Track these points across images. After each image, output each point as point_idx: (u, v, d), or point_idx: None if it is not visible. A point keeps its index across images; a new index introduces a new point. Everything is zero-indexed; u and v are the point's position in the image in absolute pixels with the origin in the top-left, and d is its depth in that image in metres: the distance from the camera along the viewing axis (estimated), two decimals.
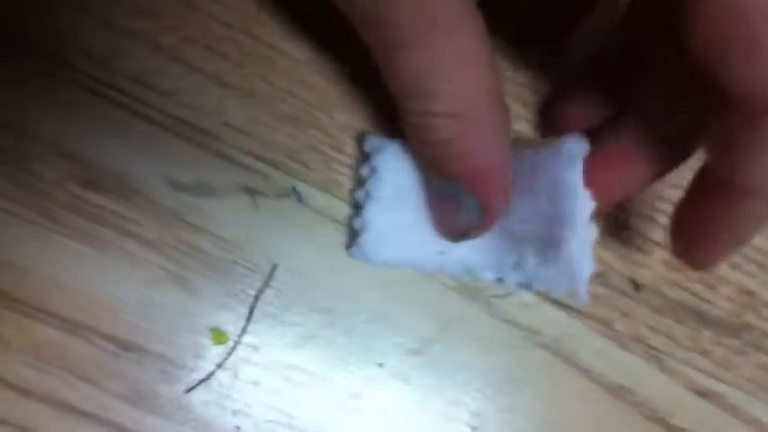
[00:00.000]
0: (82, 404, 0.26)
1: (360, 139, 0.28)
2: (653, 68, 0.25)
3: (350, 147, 0.28)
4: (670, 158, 0.24)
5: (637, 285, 0.30)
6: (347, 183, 0.28)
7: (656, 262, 0.30)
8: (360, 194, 0.26)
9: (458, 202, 0.24)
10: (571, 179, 0.25)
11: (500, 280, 0.27)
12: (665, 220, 0.30)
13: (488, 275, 0.27)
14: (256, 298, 0.27)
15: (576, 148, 0.24)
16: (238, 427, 0.27)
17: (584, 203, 0.25)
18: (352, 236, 0.27)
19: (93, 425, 0.26)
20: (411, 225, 0.26)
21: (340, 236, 0.28)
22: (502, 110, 0.22)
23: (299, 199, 0.27)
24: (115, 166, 0.27)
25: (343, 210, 0.28)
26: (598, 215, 0.24)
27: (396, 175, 0.26)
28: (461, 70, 0.21)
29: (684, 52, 0.19)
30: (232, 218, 0.27)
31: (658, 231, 0.30)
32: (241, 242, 0.27)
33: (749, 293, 0.31)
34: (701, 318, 0.30)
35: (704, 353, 0.30)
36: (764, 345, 0.31)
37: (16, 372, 0.26)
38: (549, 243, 0.26)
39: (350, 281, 0.28)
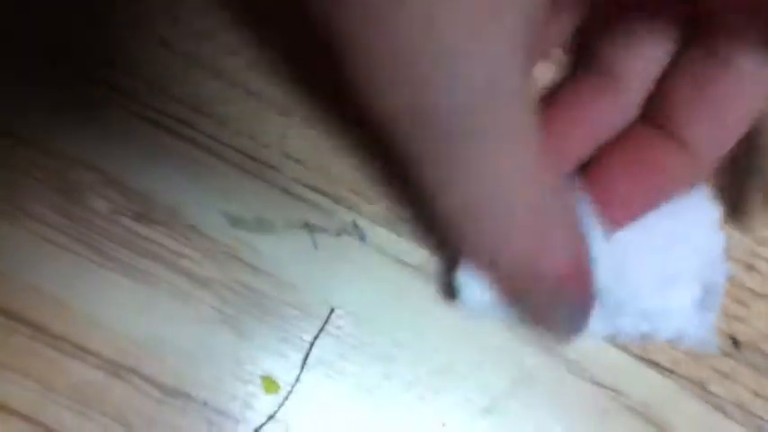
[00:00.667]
0: None
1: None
2: None
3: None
4: None
5: (736, 342, 0.27)
6: (413, 219, 0.26)
7: (755, 316, 0.27)
8: None
9: (547, 312, 0.21)
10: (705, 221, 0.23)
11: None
12: (765, 267, 0.27)
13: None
14: (312, 344, 0.25)
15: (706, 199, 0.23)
16: None
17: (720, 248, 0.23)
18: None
19: None
20: None
21: (403, 277, 0.25)
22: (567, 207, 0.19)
23: (362, 237, 0.25)
24: (169, 198, 0.25)
25: (408, 248, 0.25)
26: None
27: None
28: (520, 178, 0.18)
29: None
30: (289, 257, 0.25)
31: (756, 280, 0.27)
32: (298, 283, 0.25)
33: None
34: None
35: None
36: None
37: (56, 414, 0.24)
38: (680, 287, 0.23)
39: (414, 327, 0.25)
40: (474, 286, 0.23)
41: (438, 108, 0.14)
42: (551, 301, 0.19)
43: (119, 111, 0.25)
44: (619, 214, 0.22)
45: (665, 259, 0.24)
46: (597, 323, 0.24)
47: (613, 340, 0.25)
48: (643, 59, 0.21)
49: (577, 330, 0.22)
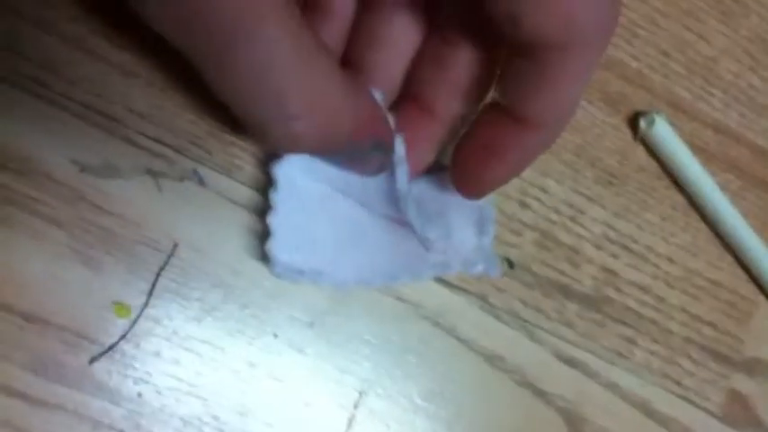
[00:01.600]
0: None
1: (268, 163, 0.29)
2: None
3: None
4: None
5: (510, 264, 0.33)
6: (246, 167, 0.30)
7: (526, 242, 0.34)
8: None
9: (361, 157, 0.25)
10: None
11: (414, 279, 0.30)
12: (535, 204, 0.33)
13: (406, 279, 0.30)
14: (158, 274, 0.29)
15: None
16: (140, 394, 0.29)
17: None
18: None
19: None
20: (315, 236, 0.29)
21: (239, 217, 0.30)
22: (323, 62, 0.21)
23: (201, 182, 0.29)
24: (23, 149, 0.28)
25: (243, 192, 0.30)
26: None
27: (296, 185, 0.28)
28: (304, 60, 0.20)
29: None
30: (136, 199, 0.29)
31: (528, 214, 0.33)
32: (144, 222, 0.29)
33: (611, 272, 0.35)
34: (567, 292, 0.34)
35: (569, 324, 0.34)
36: (623, 317, 0.35)
37: None
38: (451, 230, 0.29)
39: (248, 260, 0.30)
40: (283, 256, 0.28)
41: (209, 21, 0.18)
42: (362, 148, 0.24)
43: None
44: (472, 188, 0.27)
45: (444, 203, 0.30)
46: (404, 272, 0.30)
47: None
48: (387, 53, 0.25)
49: (384, 168, 0.26)
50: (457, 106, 0.26)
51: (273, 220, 0.27)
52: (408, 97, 0.27)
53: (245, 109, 0.21)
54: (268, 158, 0.29)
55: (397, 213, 0.28)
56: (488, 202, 0.29)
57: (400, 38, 0.26)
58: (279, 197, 0.27)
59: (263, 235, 0.28)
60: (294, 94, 0.20)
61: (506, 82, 0.24)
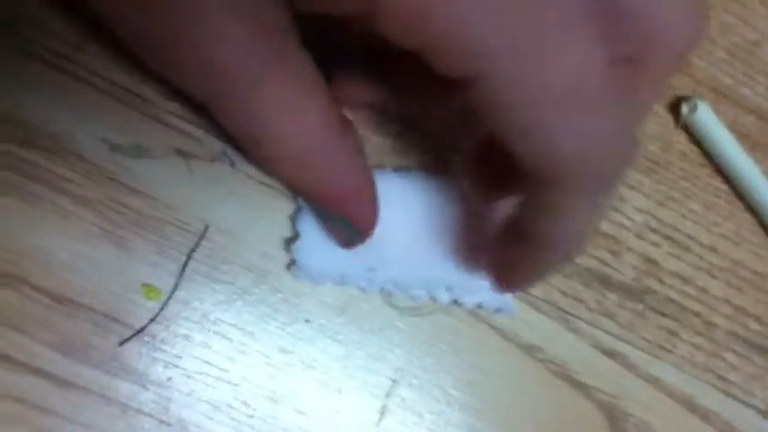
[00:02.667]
0: (10, 351, 0.27)
1: None
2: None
3: None
4: None
5: None
6: None
7: None
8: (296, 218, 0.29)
9: (330, 218, 0.26)
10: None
11: (432, 298, 0.29)
12: None
13: (420, 293, 0.29)
14: (188, 256, 0.28)
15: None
16: (170, 378, 0.28)
17: None
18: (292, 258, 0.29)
19: (23, 373, 0.27)
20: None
21: (270, 200, 0.29)
22: (342, 135, 0.24)
23: (231, 163, 0.29)
24: (52, 127, 0.28)
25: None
26: None
27: None
28: (280, 114, 0.22)
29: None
30: (166, 180, 0.28)
31: None
32: (174, 203, 0.28)
33: (652, 262, 0.34)
34: (607, 283, 0.33)
35: (609, 315, 0.33)
36: (665, 309, 0.34)
37: None
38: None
39: (279, 244, 0.29)
40: (309, 260, 0.27)
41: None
42: (330, 213, 0.24)
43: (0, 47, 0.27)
44: None
45: (461, 235, 0.29)
46: (417, 289, 0.29)
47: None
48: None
49: (354, 244, 0.27)
50: None
51: (301, 224, 0.27)
52: None
53: (231, 125, 0.23)
54: None
55: (425, 227, 0.29)
56: None
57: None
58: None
59: (291, 237, 0.28)
60: (278, 138, 0.22)
61: (520, 207, 0.23)
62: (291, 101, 0.22)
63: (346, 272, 0.28)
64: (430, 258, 0.29)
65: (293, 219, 0.29)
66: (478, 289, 0.29)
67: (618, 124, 0.19)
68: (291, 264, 0.29)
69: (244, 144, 0.23)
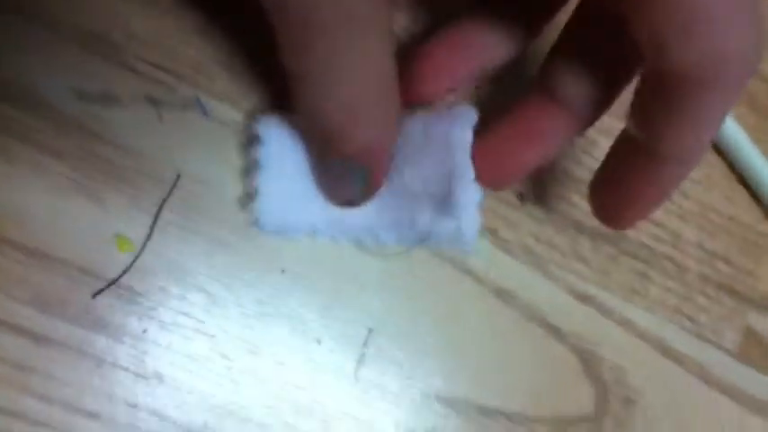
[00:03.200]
0: None
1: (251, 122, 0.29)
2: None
3: (255, 61, 0.29)
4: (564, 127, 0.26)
5: (521, 197, 0.32)
6: (251, 96, 0.29)
7: (538, 176, 0.33)
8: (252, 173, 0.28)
9: (343, 174, 0.26)
10: (463, 137, 0.27)
11: (400, 241, 0.29)
12: None
13: (388, 237, 0.29)
14: (160, 206, 0.28)
15: (467, 111, 0.27)
16: (145, 331, 0.28)
17: (471, 162, 0.27)
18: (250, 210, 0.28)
19: (0, 330, 0.26)
20: (305, 192, 0.28)
21: (242, 147, 0.29)
22: (394, 93, 0.24)
23: (205, 111, 0.28)
24: (18, 76, 0.27)
25: (245, 120, 0.29)
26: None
27: (284, 143, 0.27)
28: (362, 65, 0.22)
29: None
30: (136, 128, 0.28)
31: None
32: (145, 152, 0.28)
33: None
34: (580, 228, 0.33)
35: (582, 260, 0.33)
36: (638, 253, 0.34)
37: None
38: (441, 198, 0.28)
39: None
40: (271, 215, 0.27)
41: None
42: (348, 165, 0.24)
43: None
44: (497, 171, 0.27)
45: (426, 177, 0.28)
46: (386, 233, 0.29)
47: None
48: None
49: (357, 203, 0.27)
50: (590, 104, 0.26)
51: (262, 178, 0.27)
52: (544, 90, 0.26)
53: (290, 61, 0.22)
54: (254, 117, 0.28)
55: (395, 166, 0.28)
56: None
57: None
58: (266, 153, 0.27)
59: (247, 195, 0.28)
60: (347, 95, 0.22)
61: (643, 114, 0.23)
62: (375, 55, 0.22)
63: (314, 222, 0.28)
64: (394, 197, 0.28)
65: (247, 175, 0.28)
66: (444, 226, 0.28)
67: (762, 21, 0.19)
68: (255, 221, 0.28)
69: (298, 84, 0.23)
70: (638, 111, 0.24)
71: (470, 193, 0.27)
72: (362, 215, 0.29)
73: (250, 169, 0.28)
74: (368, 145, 0.24)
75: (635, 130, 0.24)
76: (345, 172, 0.25)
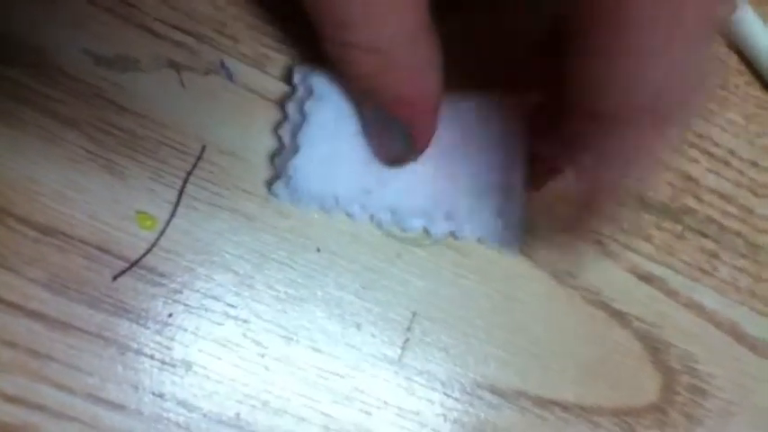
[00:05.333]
0: (1, 293, 0.24)
1: (290, 71, 0.26)
2: None
3: (283, 19, 0.27)
4: None
5: None
6: (279, 58, 0.27)
7: None
8: (286, 128, 0.25)
9: (384, 129, 0.23)
10: (514, 131, 0.25)
11: (426, 230, 0.27)
12: None
13: (415, 223, 0.26)
14: (185, 180, 0.26)
15: (520, 103, 0.25)
16: (171, 315, 0.26)
17: (522, 156, 0.25)
18: (277, 173, 0.26)
19: (15, 314, 0.24)
20: (344, 155, 0.25)
21: (272, 114, 0.27)
22: (426, 43, 0.22)
23: (229, 75, 0.26)
24: (32, 40, 0.25)
25: (275, 87, 0.27)
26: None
27: (333, 98, 0.25)
28: (383, 7, 0.20)
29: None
30: (157, 96, 0.26)
31: None
32: (167, 122, 0.26)
33: (690, 179, 0.31)
34: (642, 202, 0.30)
35: (645, 237, 0.30)
36: (706, 230, 0.31)
37: None
38: (484, 191, 0.25)
39: None
40: (305, 177, 0.24)
41: None
42: (387, 117, 0.22)
43: None
44: None
45: (470, 166, 0.26)
46: (411, 219, 0.26)
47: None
48: None
49: (402, 161, 0.24)
50: None
51: (304, 135, 0.24)
52: None
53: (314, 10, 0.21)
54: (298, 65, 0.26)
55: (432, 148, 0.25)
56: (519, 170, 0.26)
57: None
58: (314, 106, 0.24)
59: (278, 150, 0.25)
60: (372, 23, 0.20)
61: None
62: None
63: (340, 194, 0.25)
64: (432, 183, 0.26)
65: (281, 129, 0.26)
66: (482, 220, 0.26)
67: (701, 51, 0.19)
68: (275, 180, 0.25)
69: (327, 27, 0.21)
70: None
71: (515, 191, 0.25)
72: (393, 195, 0.26)
73: (293, 123, 0.26)
74: (402, 96, 0.22)
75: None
76: (385, 126, 0.23)
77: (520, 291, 0.29)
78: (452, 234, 0.27)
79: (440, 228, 0.27)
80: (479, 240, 0.27)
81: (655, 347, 0.30)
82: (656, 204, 0.30)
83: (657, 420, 0.29)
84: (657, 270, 0.30)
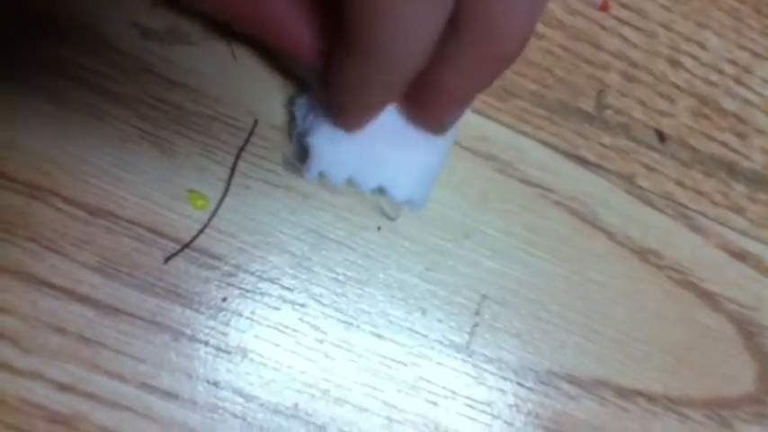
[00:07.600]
0: (51, 277, 0.23)
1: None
2: None
3: None
4: None
5: (662, 136, 0.27)
6: None
7: (681, 110, 0.27)
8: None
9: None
10: None
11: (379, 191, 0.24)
12: (690, 62, 0.27)
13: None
14: (237, 156, 0.24)
15: None
16: (225, 299, 0.24)
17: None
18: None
19: (64, 299, 0.23)
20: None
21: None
22: None
23: None
24: (75, 14, 0.24)
25: None
26: None
27: None
28: None
29: None
30: (207, 69, 0.24)
31: (682, 75, 0.27)
32: (218, 96, 0.24)
33: None
34: (733, 171, 0.27)
35: (737, 210, 0.27)
36: None
37: None
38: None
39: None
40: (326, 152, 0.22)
41: None
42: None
43: None
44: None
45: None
46: (338, 168, 0.23)
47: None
48: None
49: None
50: None
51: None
52: None
53: None
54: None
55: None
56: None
57: None
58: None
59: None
60: None
61: None
62: None
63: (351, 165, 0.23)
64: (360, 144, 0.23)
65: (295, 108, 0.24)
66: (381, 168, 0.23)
67: None
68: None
69: None
70: None
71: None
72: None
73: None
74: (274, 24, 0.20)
75: None
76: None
77: (598, 270, 0.26)
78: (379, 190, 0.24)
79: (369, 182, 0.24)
80: (380, 191, 0.24)
81: (749, 331, 0.27)
82: (748, 173, 0.27)
83: (756, 414, 0.26)
84: (751, 246, 0.27)
